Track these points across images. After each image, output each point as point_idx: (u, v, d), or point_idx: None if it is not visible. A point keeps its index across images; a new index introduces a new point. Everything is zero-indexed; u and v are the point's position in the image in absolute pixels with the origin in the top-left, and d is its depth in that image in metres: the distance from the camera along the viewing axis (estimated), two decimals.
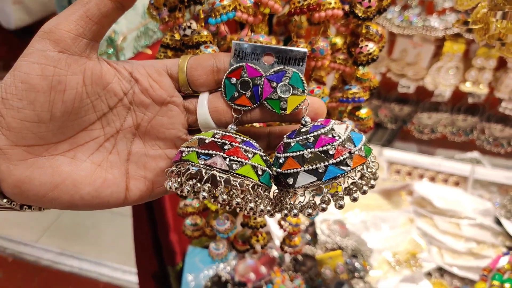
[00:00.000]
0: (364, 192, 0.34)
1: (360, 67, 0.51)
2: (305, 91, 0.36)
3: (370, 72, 0.53)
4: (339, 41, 0.57)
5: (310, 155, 0.33)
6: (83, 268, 1.92)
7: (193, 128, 0.40)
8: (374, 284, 1.01)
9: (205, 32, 0.47)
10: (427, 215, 1.21)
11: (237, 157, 0.33)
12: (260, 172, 0.34)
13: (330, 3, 0.45)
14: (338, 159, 0.33)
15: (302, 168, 0.33)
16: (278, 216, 0.38)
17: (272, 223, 1.08)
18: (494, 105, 1.34)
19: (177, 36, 0.50)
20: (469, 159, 1.39)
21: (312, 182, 0.33)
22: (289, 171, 0.34)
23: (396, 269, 1.09)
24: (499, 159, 1.41)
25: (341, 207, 0.34)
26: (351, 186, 0.34)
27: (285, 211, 0.35)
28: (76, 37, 0.33)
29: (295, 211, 0.35)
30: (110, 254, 1.99)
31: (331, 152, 0.33)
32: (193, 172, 0.34)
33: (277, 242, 1.08)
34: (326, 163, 0.33)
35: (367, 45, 0.49)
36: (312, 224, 1.09)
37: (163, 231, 1.07)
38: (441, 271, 1.12)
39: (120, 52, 0.84)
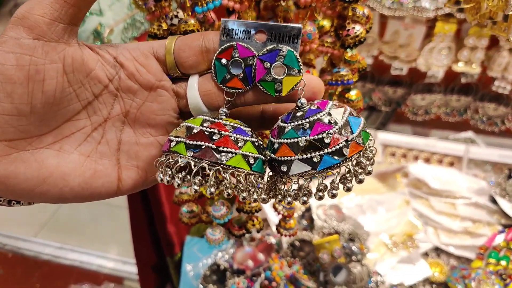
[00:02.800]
0: (360, 181, 0.33)
1: (348, 50, 0.51)
2: (301, 70, 0.34)
3: (358, 54, 0.53)
4: (326, 23, 0.56)
5: (304, 143, 0.32)
6: (83, 261, 1.93)
7: (184, 112, 0.38)
8: (372, 267, 1.02)
9: (192, 21, 0.46)
10: (422, 196, 1.22)
11: (227, 147, 0.32)
12: (251, 161, 0.33)
13: None
14: (333, 148, 0.31)
15: (296, 157, 0.32)
16: (272, 200, 0.37)
17: (268, 209, 1.09)
18: (487, 84, 1.34)
19: (164, 26, 0.49)
20: (464, 139, 1.40)
21: (306, 171, 0.32)
22: (283, 158, 0.33)
23: (393, 251, 1.10)
24: (493, 137, 1.41)
25: (333, 196, 0.33)
26: (347, 175, 0.33)
27: (279, 197, 0.35)
28: (51, 22, 0.31)
29: (289, 198, 0.34)
30: (110, 246, 1.99)
31: (326, 141, 0.32)
32: (182, 165, 0.33)
33: (274, 229, 1.09)
34: (321, 152, 0.32)
35: (353, 28, 0.49)
36: (309, 209, 1.09)
37: (160, 222, 1.07)
38: (438, 251, 1.13)
39: None
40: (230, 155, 0.32)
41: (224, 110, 0.35)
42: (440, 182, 1.22)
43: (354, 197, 1.18)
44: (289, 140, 0.33)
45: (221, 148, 0.32)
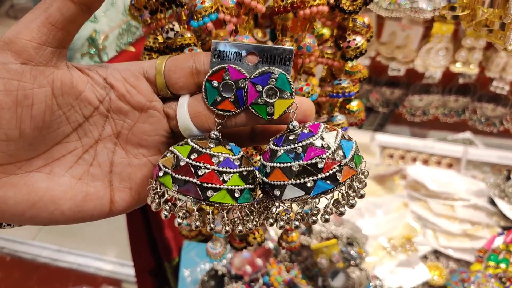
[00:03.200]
0: (352, 206, 0.33)
1: (349, 61, 0.50)
2: (293, 94, 0.34)
3: (359, 64, 0.52)
4: (326, 31, 0.55)
5: (298, 168, 0.32)
6: (81, 263, 1.92)
7: (176, 132, 0.37)
8: (371, 271, 1.01)
9: (188, 34, 0.45)
10: (421, 199, 1.22)
11: (211, 184, 0.32)
12: (237, 195, 0.33)
13: (315, 0, 0.43)
14: (327, 173, 0.31)
15: (290, 182, 0.32)
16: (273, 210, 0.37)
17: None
18: (485, 85, 1.34)
19: (160, 39, 0.48)
20: (462, 140, 1.39)
21: (299, 196, 0.32)
22: (276, 182, 0.33)
23: (392, 254, 1.09)
24: (492, 138, 1.41)
25: (326, 220, 0.33)
26: (340, 199, 0.33)
27: (271, 220, 0.34)
28: (39, 46, 0.31)
29: (281, 223, 0.34)
30: (108, 248, 1.99)
31: (320, 166, 0.31)
32: (168, 198, 0.33)
33: (272, 233, 1.08)
34: (315, 177, 0.31)
35: (354, 39, 0.48)
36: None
37: (157, 227, 1.06)
38: (437, 253, 1.13)
39: (103, 51, 0.82)
40: (213, 191, 0.32)
41: (215, 133, 0.35)
42: (438, 184, 1.21)
43: None
44: (282, 165, 0.33)
45: (205, 185, 0.32)
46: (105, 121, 0.35)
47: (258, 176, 0.35)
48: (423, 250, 1.11)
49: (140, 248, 1.15)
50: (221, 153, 0.33)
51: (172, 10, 0.47)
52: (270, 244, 1.02)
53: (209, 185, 0.32)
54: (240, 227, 0.34)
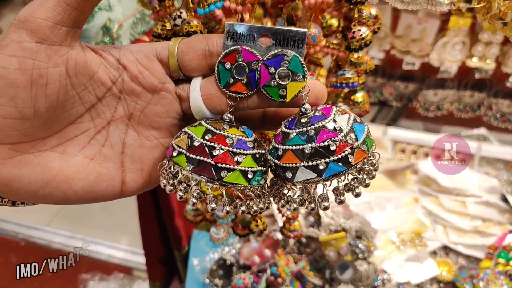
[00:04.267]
0: (367, 186, 0.33)
1: (354, 52, 0.50)
2: (306, 76, 0.34)
3: (365, 55, 0.52)
4: (335, 22, 0.55)
5: (310, 150, 0.32)
6: (93, 250, 1.96)
7: (188, 114, 0.38)
8: (379, 264, 1.01)
9: (195, 22, 0.45)
10: (432, 194, 1.21)
11: (226, 164, 0.32)
12: (250, 176, 0.33)
13: None
14: (339, 156, 0.31)
15: (302, 164, 0.32)
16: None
17: (275, 205, 1.08)
18: (502, 80, 1.31)
19: (168, 26, 0.49)
20: (476, 136, 1.37)
21: (311, 179, 0.32)
22: (288, 165, 0.33)
23: (401, 249, 1.09)
24: (507, 135, 1.39)
25: (341, 202, 0.33)
26: (352, 182, 0.33)
27: (282, 202, 0.34)
28: (54, 26, 0.31)
29: (295, 205, 0.34)
30: (120, 236, 2.01)
31: (332, 148, 0.31)
32: (182, 178, 0.33)
33: (281, 224, 1.08)
34: (327, 159, 0.31)
35: (359, 30, 0.47)
36: None
37: (168, 216, 1.08)
38: (446, 249, 1.12)
39: (117, 40, 0.83)
40: (228, 171, 0.32)
41: (228, 115, 0.35)
42: (450, 179, 1.20)
43: (362, 194, 1.17)
44: (294, 147, 0.33)
45: (219, 165, 0.32)
46: (117, 102, 0.36)
47: (269, 159, 0.35)
48: (433, 246, 1.10)
49: (151, 237, 1.16)
50: (235, 134, 0.34)
51: None
52: (278, 235, 1.03)
53: (224, 165, 0.32)
54: (254, 207, 0.34)
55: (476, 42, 1.21)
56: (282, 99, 0.34)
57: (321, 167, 0.32)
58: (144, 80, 0.35)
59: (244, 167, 0.33)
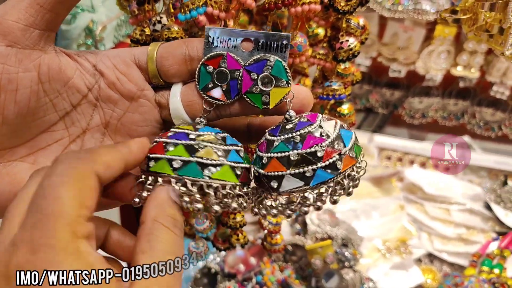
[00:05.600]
0: (349, 194, 0.32)
1: (341, 63, 0.49)
2: (290, 82, 0.33)
3: (352, 66, 0.51)
4: (321, 31, 0.54)
5: (296, 157, 0.30)
6: None
7: (167, 122, 0.36)
8: (365, 272, 1.01)
9: (175, 28, 0.44)
10: (417, 201, 1.21)
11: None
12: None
13: None
14: (327, 162, 0.30)
15: (288, 172, 0.31)
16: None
17: None
18: (486, 89, 1.33)
19: (147, 31, 0.47)
20: None
21: (298, 187, 0.31)
22: (273, 173, 0.31)
23: (387, 257, 1.09)
24: (490, 143, 1.40)
25: (318, 208, 0.32)
26: (336, 187, 0.32)
27: (263, 211, 0.33)
28: (26, 28, 0.29)
29: (275, 211, 0.33)
30: None
31: (319, 154, 0.30)
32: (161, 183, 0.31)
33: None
34: (314, 166, 0.30)
35: (347, 40, 0.47)
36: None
37: None
38: (431, 257, 1.12)
39: (100, 42, 0.81)
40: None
41: (202, 120, 0.34)
42: (435, 187, 1.21)
43: (348, 201, 1.17)
44: (279, 154, 0.31)
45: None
46: (93, 110, 0.34)
47: (253, 169, 0.33)
48: (418, 253, 1.10)
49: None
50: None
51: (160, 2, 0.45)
52: None
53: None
54: (234, 204, 0.32)
55: (461, 51, 1.23)
56: (265, 106, 0.33)
57: (308, 174, 0.30)
58: (121, 87, 0.34)
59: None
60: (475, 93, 1.37)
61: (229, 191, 0.31)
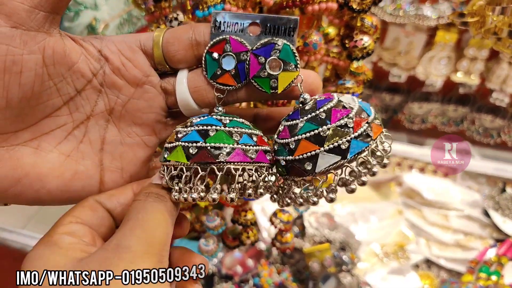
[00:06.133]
0: (385, 166, 0.31)
1: (355, 61, 0.49)
2: (298, 65, 0.32)
3: (364, 65, 0.51)
4: (332, 31, 0.54)
5: (328, 132, 0.29)
6: None
7: (173, 110, 0.36)
8: (362, 277, 1.00)
9: None
10: (415, 207, 1.21)
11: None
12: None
13: None
14: (359, 131, 0.29)
15: (322, 149, 0.29)
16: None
17: (259, 215, 1.07)
18: (485, 96, 1.33)
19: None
20: None
21: (335, 163, 0.29)
22: (305, 155, 0.30)
23: (384, 261, 1.08)
24: (489, 149, 1.40)
25: (363, 184, 0.31)
26: (347, 177, 0.31)
27: (287, 200, 0.32)
28: (31, 10, 0.29)
29: (300, 200, 0.32)
30: None
31: (350, 125, 0.29)
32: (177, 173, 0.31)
33: (265, 234, 1.07)
34: (348, 137, 0.29)
35: (362, 39, 0.47)
36: (300, 216, 1.08)
37: None
38: (429, 263, 1.12)
39: None
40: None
41: (219, 108, 0.33)
42: (433, 193, 1.21)
43: (346, 205, 1.17)
44: (308, 134, 0.30)
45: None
46: (98, 96, 0.34)
47: (279, 159, 0.32)
48: (415, 259, 1.10)
49: None
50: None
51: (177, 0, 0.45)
52: (262, 245, 1.01)
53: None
54: (250, 191, 0.31)
55: (461, 57, 1.23)
56: (273, 91, 0.32)
57: (343, 146, 0.29)
58: (126, 72, 0.33)
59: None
60: (474, 99, 1.37)
61: (259, 172, 0.31)
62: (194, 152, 0.30)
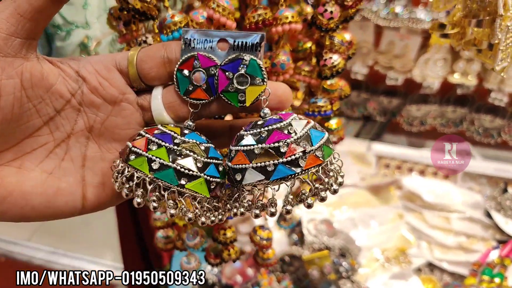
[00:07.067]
0: (322, 199, 0.32)
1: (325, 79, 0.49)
2: (265, 80, 0.33)
3: (340, 81, 0.51)
4: (310, 45, 0.54)
5: (260, 151, 0.31)
6: (76, 266, 1.91)
7: (150, 125, 0.37)
8: (363, 283, 1.00)
9: None
10: (416, 210, 1.20)
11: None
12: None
13: (287, 17, 0.43)
14: (289, 158, 0.30)
15: (250, 165, 0.31)
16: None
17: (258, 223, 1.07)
18: (484, 96, 1.33)
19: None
20: None
21: (259, 181, 0.31)
22: (237, 166, 0.32)
23: (385, 266, 1.08)
24: (490, 150, 1.40)
25: (288, 212, 0.32)
26: (304, 192, 0.32)
27: (234, 210, 0.33)
28: (7, 37, 0.30)
29: (242, 209, 0.33)
30: (103, 251, 1.98)
31: (282, 150, 0.30)
32: (137, 181, 0.32)
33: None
34: (276, 161, 0.30)
35: (331, 58, 0.46)
36: (299, 224, 1.08)
37: (148, 234, 1.05)
38: (431, 266, 1.11)
39: None
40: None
41: (189, 123, 0.35)
42: (434, 195, 1.20)
43: (346, 210, 1.16)
44: (245, 148, 0.32)
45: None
46: (77, 115, 0.35)
47: (225, 163, 0.34)
48: (417, 263, 1.09)
49: (132, 255, 1.14)
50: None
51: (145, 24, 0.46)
52: None
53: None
54: (203, 219, 0.33)
55: (457, 59, 1.23)
56: (241, 104, 0.34)
57: (269, 168, 0.30)
58: (104, 91, 0.35)
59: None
60: (473, 100, 1.37)
61: (197, 203, 0.32)
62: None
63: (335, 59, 0.46)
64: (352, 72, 1.31)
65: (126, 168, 0.32)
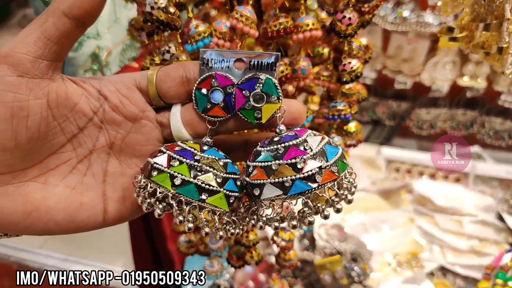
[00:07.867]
0: (338, 211, 0.33)
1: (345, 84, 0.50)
2: (280, 97, 0.35)
3: (357, 85, 0.52)
4: (326, 50, 0.55)
5: (277, 167, 0.32)
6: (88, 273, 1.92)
7: (169, 141, 0.38)
8: (375, 287, 1.00)
9: (183, 57, 0.45)
10: (428, 214, 1.20)
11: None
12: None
13: (308, 25, 0.43)
14: (306, 174, 0.31)
15: (268, 180, 0.32)
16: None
17: (270, 229, 1.07)
18: (494, 98, 1.32)
19: (157, 60, 0.49)
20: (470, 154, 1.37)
21: (277, 196, 0.32)
22: (255, 181, 0.33)
23: (397, 271, 1.07)
24: (501, 152, 1.39)
25: (310, 223, 0.33)
26: (319, 205, 0.33)
27: (260, 224, 0.34)
28: (35, 60, 0.31)
29: (261, 223, 0.34)
30: (115, 259, 1.99)
31: (299, 166, 0.31)
32: (161, 197, 0.33)
33: (276, 248, 1.07)
34: (293, 177, 0.31)
35: (350, 62, 0.47)
36: (310, 229, 1.08)
37: (160, 240, 1.06)
38: (444, 270, 1.11)
39: (106, 67, 0.83)
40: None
41: (207, 139, 0.36)
42: (445, 199, 1.19)
43: (357, 215, 1.16)
44: (262, 164, 0.33)
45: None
46: (99, 132, 0.36)
47: (243, 177, 0.35)
48: (430, 267, 1.09)
49: (144, 261, 1.15)
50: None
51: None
52: (273, 259, 1.01)
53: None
54: (221, 233, 0.34)
55: (466, 62, 1.22)
56: (258, 121, 0.35)
57: (287, 184, 0.31)
58: (124, 109, 0.36)
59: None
60: (483, 102, 1.36)
61: (217, 217, 0.33)
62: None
63: (354, 63, 0.47)
64: (360, 86, 1.31)
65: (149, 184, 0.33)
